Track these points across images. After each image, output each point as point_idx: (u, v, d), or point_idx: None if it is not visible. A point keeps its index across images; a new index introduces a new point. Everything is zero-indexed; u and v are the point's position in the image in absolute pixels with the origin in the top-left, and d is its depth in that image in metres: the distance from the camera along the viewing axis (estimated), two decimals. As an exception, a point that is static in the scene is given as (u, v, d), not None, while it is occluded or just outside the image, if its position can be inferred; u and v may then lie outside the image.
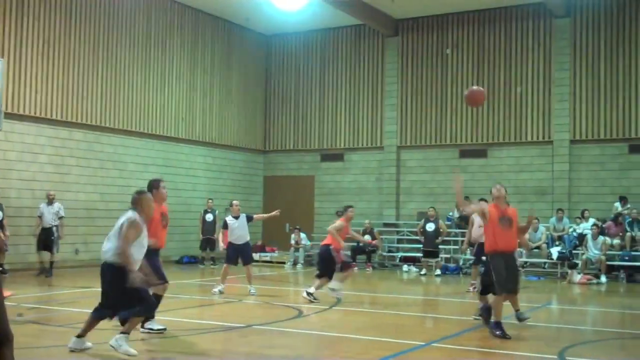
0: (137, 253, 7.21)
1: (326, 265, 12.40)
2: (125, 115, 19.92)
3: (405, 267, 20.27)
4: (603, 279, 17.14)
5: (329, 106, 24.14)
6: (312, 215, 24.07)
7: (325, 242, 12.64)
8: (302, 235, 21.89)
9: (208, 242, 20.33)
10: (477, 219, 14.14)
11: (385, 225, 22.38)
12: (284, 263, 21.50)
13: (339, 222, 12.63)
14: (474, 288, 14.32)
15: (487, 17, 21.83)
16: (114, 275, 7.06)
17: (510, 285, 9.02)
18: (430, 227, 18.64)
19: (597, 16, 20.42)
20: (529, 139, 21.06)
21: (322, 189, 24.18)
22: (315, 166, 24.40)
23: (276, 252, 22.69)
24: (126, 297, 7.00)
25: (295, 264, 21.32)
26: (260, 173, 25.09)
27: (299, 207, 23.99)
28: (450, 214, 21.21)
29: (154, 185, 8.64)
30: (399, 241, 21.97)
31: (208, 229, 20.33)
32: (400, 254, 21.26)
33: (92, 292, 13.29)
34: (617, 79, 20.10)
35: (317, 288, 12.29)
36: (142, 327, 8.28)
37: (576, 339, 8.88)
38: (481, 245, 14.29)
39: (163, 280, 8.51)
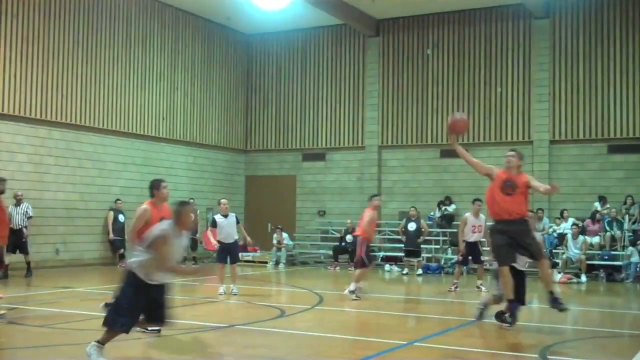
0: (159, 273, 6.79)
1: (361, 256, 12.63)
2: (105, 114, 19.75)
3: (387, 267, 20.31)
4: (583, 278, 17.28)
5: (310, 106, 24.13)
6: (294, 215, 24.05)
7: (357, 233, 12.93)
8: (284, 234, 21.87)
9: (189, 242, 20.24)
10: (470, 219, 14.22)
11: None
12: (266, 263, 21.46)
13: (369, 214, 12.65)
14: (456, 287, 14.39)
15: (467, 18, 21.94)
16: (122, 280, 6.91)
17: (536, 251, 8.99)
18: (412, 226, 18.68)
19: (577, 17, 20.59)
20: (509, 139, 21.17)
21: (304, 189, 24.17)
22: (296, 166, 24.38)
23: (258, 251, 22.63)
24: (115, 304, 6.85)
25: (277, 263, 21.28)
26: (242, 173, 25.02)
27: (280, 207, 23.98)
28: (432, 213, 21.31)
29: (154, 185, 8.60)
30: (381, 241, 22.01)
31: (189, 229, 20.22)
32: (382, 254, 21.29)
33: (73, 293, 13.22)
34: (596, 79, 20.27)
35: (357, 281, 12.68)
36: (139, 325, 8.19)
37: (557, 338, 8.94)
38: (470, 245, 14.40)
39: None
